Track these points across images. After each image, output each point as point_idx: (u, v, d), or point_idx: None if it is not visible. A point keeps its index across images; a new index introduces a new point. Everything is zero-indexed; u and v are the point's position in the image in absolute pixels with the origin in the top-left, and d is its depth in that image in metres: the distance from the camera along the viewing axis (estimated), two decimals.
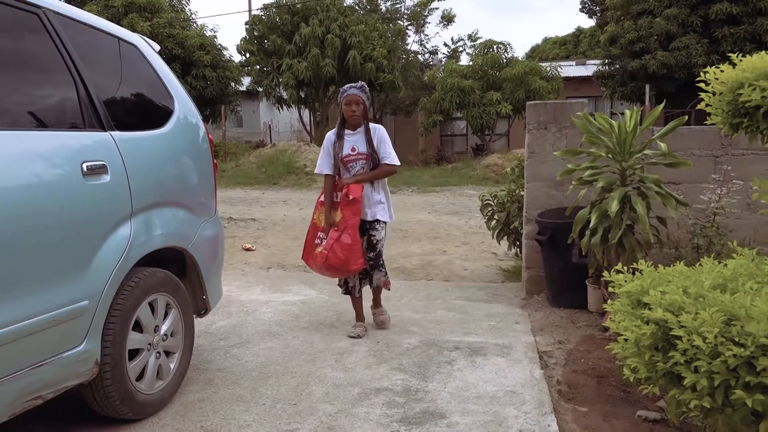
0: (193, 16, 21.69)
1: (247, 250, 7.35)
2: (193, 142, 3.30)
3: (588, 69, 22.67)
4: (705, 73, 2.05)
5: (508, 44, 19.38)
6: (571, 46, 35.15)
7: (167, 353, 2.94)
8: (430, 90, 20.10)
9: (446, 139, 23.51)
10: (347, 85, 3.98)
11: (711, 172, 4.78)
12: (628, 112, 4.28)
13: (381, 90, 20.03)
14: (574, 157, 4.59)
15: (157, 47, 3.38)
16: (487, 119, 18.36)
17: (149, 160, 2.83)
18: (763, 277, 1.95)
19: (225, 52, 20.52)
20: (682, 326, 1.65)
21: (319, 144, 19.57)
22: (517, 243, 6.04)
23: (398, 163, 4.02)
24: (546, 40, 38.31)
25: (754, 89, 1.80)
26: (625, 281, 2.00)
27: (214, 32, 21.79)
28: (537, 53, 35.72)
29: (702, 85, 2.05)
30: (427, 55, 23.16)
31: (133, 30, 16.76)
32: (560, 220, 4.66)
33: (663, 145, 4.09)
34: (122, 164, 2.60)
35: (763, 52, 1.90)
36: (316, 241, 3.99)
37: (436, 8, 22.02)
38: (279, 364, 3.47)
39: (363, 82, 4.06)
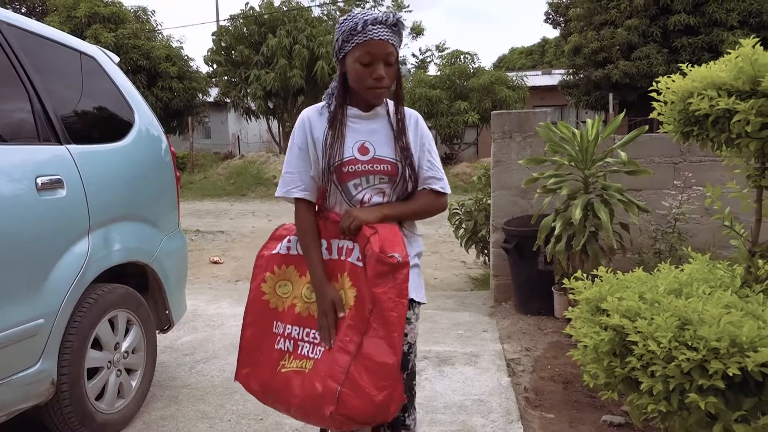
0: (159, 27, 21.48)
1: (215, 263, 7.26)
2: (155, 155, 3.25)
3: (554, 78, 23.07)
4: (657, 83, 2.10)
5: (475, 54, 19.62)
6: (537, 56, 35.77)
7: (129, 371, 2.87)
8: None
9: None
10: (362, 14, 1.72)
11: (671, 179, 4.90)
12: (589, 121, 4.37)
13: None
14: (538, 166, 4.66)
15: (116, 59, 3.33)
16: (455, 128, 18.53)
17: (108, 173, 2.77)
18: (716, 282, 2.00)
19: (192, 63, 20.33)
20: (638, 332, 1.68)
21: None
22: (485, 251, 6.09)
23: (449, 190, 1.96)
24: (513, 50, 38.90)
25: (703, 98, 1.85)
26: (585, 288, 2.03)
27: (181, 43, 21.64)
28: (504, 63, 36.24)
29: (654, 94, 2.10)
30: None
31: (97, 41, 16.52)
32: (526, 228, 4.71)
33: (623, 154, 4.18)
34: (79, 178, 2.54)
35: (713, 63, 1.96)
36: (278, 344, 1.86)
37: (404, 20, 22.12)
38: None
39: (400, 15, 1.80)
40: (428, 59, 22.80)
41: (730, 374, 1.46)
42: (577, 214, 4.02)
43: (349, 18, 1.71)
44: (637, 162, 4.26)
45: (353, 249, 1.73)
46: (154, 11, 23.46)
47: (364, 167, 1.75)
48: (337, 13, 22.06)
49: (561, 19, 20.99)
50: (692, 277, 2.10)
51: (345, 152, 1.75)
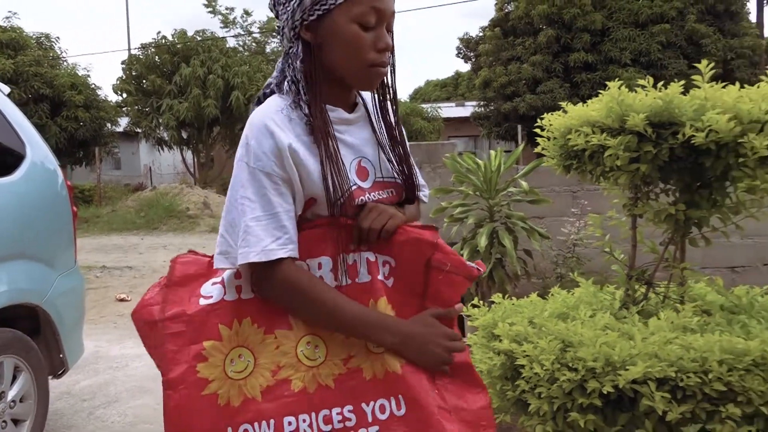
0: (64, 54, 20.60)
1: (122, 300, 6.94)
2: (49, 190, 3.10)
3: (467, 110, 23.95)
4: (541, 119, 2.25)
5: None
6: (451, 88, 37.05)
7: (16, 421, 2.68)
8: None
9: None
10: None
11: (570, 207, 5.19)
12: (492, 153, 4.58)
13: None
14: (446, 195, 4.81)
15: (7, 90, 3.18)
16: None
17: None
18: (598, 304, 2.14)
19: (99, 92, 19.58)
20: (526, 355, 1.77)
21: (206, 186, 19.16)
22: None
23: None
24: (428, 83, 40.13)
25: (579, 135, 2.00)
26: (480, 315, 2.11)
27: (87, 71, 20.79)
28: (420, 95, 37.27)
29: (538, 130, 2.25)
30: None
31: None
32: None
33: (524, 184, 4.40)
34: None
35: (589, 101, 2.13)
36: None
37: None
38: (150, 422, 3.27)
39: None
40: None
41: (606, 392, 1.57)
42: (482, 242, 4.18)
43: None
44: (537, 191, 4.49)
45: (377, 262, 1.13)
46: (58, 38, 22.49)
47: (368, 197, 1.17)
48: (253, 44, 22.03)
49: (471, 54, 21.95)
50: (580, 300, 2.23)
51: (351, 175, 1.16)
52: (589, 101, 2.13)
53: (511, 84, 17.83)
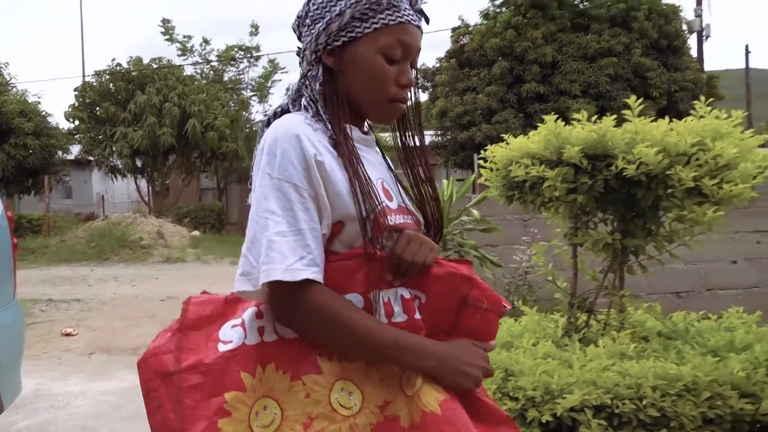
0: (13, 80, 20.07)
1: (68, 335, 6.69)
2: None
3: (425, 139, 24.28)
4: (485, 151, 2.31)
5: None
6: None
7: None
8: None
9: None
10: None
11: (522, 235, 5.29)
12: (445, 182, 4.65)
13: (225, 159, 19.76)
14: None
15: None
16: None
17: None
18: (542, 332, 2.17)
19: (50, 119, 19.11)
20: None
21: (161, 215, 18.80)
22: None
23: None
24: None
25: (520, 166, 2.06)
26: None
27: (38, 98, 20.27)
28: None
29: (481, 161, 2.31)
30: None
31: None
32: None
33: (476, 212, 4.48)
34: None
35: (530, 134, 2.19)
36: None
37: (280, 80, 22.49)
38: None
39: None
40: None
41: (545, 421, 1.59)
42: None
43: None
44: (489, 220, 4.57)
45: (411, 299, 1.03)
46: (7, 63, 21.92)
47: (395, 219, 1.08)
48: (211, 72, 21.93)
49: (429, 84, 22.37)
50: (525, 328, 2.26)
51: (378, 197, 1.07)
52: (530, 133, 2.20)
53: (467, 114, 18.20)
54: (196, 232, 16.51)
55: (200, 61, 21.69)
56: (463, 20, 19.52)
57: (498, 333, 2.22)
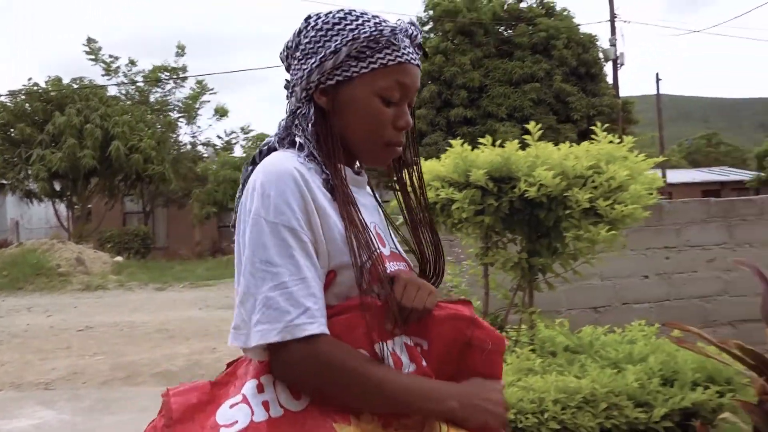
0: None
1: None
2: None
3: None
4: None
5: None
6: None
7: None
8: (204, 182, 19.82)
9: (225, 230, 23.10)
10: (376, 17, 1.04)
11: (446, 255, 5.39)
12: None
13: (150, 182, 19.18)
14: None
15: None
16: None
17: None
18: None
19: None
20: None
21: (81, 240, 17.92)
22: None
23: None
24: None
25: (430, 188, 2.11)
26: None
27: None
28: None
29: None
30: (200, 147, 22.93)
31: None
32: None
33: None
34: None
35: (442, 156, 2.26)
36: None
37: (208, 101, 22.11)
38: None
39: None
40: (234, 141, 22.84)
41: None
42: None
43: (353, 15, 1.01)
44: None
45: (414, 347, 0.98)
46: None
47: (390, 266, 1.02)
48: (136, 94, 21.32)
49: None
50: None
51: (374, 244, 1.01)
52: (441, 156, 2.26)
53: None
54: (119, 258, 15.88)
55: (125, 81, 21.09)
56: None
57: None
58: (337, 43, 0.98)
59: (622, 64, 19.62)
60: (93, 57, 20.36)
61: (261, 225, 0.90)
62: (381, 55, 0.98)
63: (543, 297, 4.32)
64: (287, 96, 1.07)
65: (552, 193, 1.94)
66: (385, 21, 1.01)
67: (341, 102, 1.00)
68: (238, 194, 1.04)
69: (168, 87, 21.45)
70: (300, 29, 1.03)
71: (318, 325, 0.88)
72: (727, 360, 1.68)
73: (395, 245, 1.08)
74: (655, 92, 24.52)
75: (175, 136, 21.60)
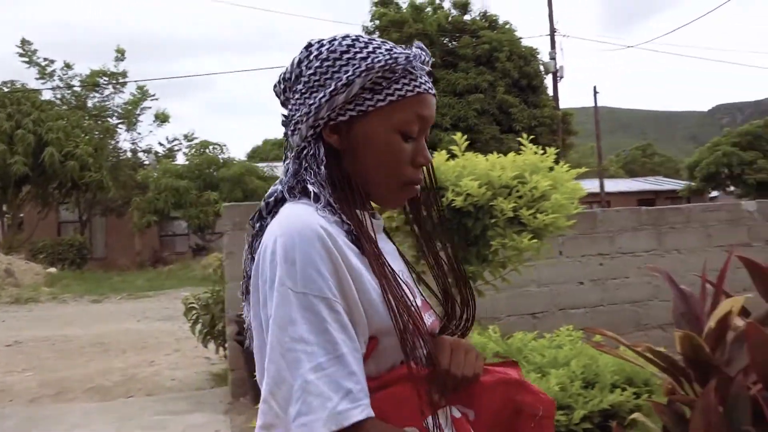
0: None
1: None
2: None
3: None
4: None
5: (224, 145, 19.84)
6: None
7: None
8: (144, 189, 19.30)
9: (167, 239, 22.51)
10: (391, 45, 0.93)
11: None
12: None
13: (87, 190, 18.52)
14: None
15: None
16: (205, 219, 18.20)
17: None
18: None
19: None
20: None
21: (11, 251, 17.05)
22: (225, 345, 5.94)
23: None
24: (266, 141, 40.22)
25: None
26: None
27: None
28: (258, 153, 37.17)
29: None
30: (140, 154, 22.30)
31: None
32: None
33: None
34: None
35: None
36: None
37: (149, 107, 21.55)
38: None
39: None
40: (176, 148, 22.33)
41: None
42: None
43: (361, 42, 0.91)
44: None
45: (462, 419, 0.91)
46: None
47: (428, 321, 0.95)
48: (73, 99, 20.57)
49: None
50: None
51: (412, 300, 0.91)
52: None
53: None
54: (52, 269, 15.24)
55: (61, 86, 20.34)
56: None
57: None
58: (349, 74, 0.87)
59: (561, 77, 20.28)
60: (27, 59, 19.58)
61: (288, 297, 0.79)
62: (398, 86, 0.89)
63: (484, 304, 4.40)
64: (286, 134, 0.96)
65: (478, 202, 1.99)
66: (395, 47, 0.91)
67: (355, 140, 0.90)
68: (245, 255, 0.92)
69: (107, 92, 20.81)
70: (300, 59, 0.92)
71: (362, 409, 0.77)
72: (643, 363, 1.75)
73: (421, 292, 0.98)
74: (593, 104, 25.45)
75: (114, 142, 20.96)
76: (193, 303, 6.04)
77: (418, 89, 0.90)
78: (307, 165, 0.90)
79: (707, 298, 1.68)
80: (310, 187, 0.87)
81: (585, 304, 5.94)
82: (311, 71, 0.90)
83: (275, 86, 0.97)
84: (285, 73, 0.94)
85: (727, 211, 6.03)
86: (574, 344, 2.36)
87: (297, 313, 0.78)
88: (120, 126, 21.17)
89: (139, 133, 21.66)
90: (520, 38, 19.65)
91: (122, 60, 20.51)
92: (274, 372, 0.79)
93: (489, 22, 19.39)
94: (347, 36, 0.91)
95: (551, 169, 2.15)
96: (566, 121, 20.23)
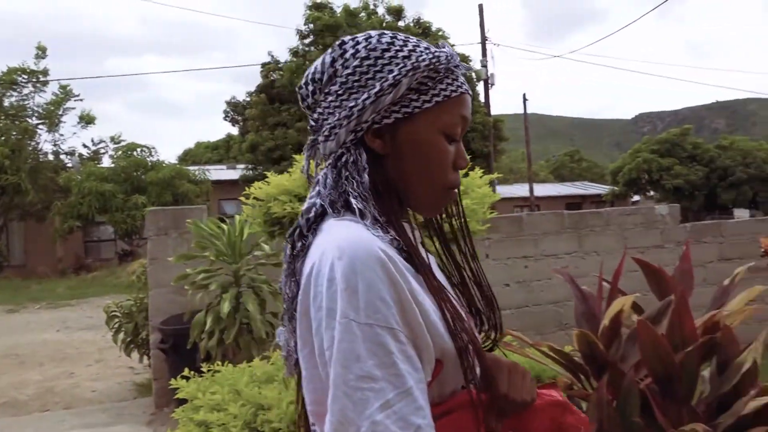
0: None
1: None
2: None
3: (238, 173, 23.89)
4: (249, 187, 2.35)
5: (153, 148, 19.22)
6: (223, 150, 36.72)
7: None
8: (67, 193, 18.43)
9: (92, 245, 21.56)
10: (440, 51, 0.89)
11: None
12: (237, 218, 4.60)
13: (4, 193, 17.50)
14: (191, 262, 4.67)
15: None
16: (132, 224, 17.56)
17: None
18: None
19: None
20: (221, 424, 1.77)
21: None
22: (148, 354, 5.77)
23: None
24: (198, 144, 39.27)
25: (278, 203, 2.13)
26: (186, 387, 2.06)
27: None
28: (190, 156, 36.24)
29: (243, 198, 2.34)
30: (63, 156, 21.27)
31: None
32: (181, 326, 4.64)
33: (267, 247, 4.49)
34: None
35: (290, 170, 2.28)
36: None
37: (73, 108, 20.58)
38: None
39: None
40: (102, 150, 21.43)
41: None
42: (225, 308, 4.13)
43: (399, 39, 0.88)
44: (281, 254, 4.60)
45: None
46: None
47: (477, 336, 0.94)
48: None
49: (240, 117, 22.13)
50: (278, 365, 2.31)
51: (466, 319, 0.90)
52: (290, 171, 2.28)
53: (278, 148, 18.29)
54: None
55: None
56: (273, 56, 19.74)
57: (261, 368, 2.24)
58: (395, 73, 0.83)
59: (492, 84, 20.80)
60: None
61: (352, 330, 0.73)
62: (443, 86, 0.86)
63: None
64: (314, 141, 0.90)
65: None
66: (431, 46, 0.88)
67: (402, 143, 0.85)
68: (284, 277, 0.86)
69: (26, 91, 19.75)
70: (333, 58, 0.86)
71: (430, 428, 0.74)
72: (547, 361, 1.84)
73: (461, 300, 0.94)
74: (523, 111, 26.26)
75: (33, 144, 19.90)
76: (115, 311, 5.84)
77: (461, 89, 0.87)
78: (348, 174, 0.84)
79: (604, 298, 1.78)
80: (353, 201, 0.82)
81: (511, 306, 6.12)
82: (349, 71, 0.85)
83: (300, 87, 0.91)
84: (314, 74, 0.88)
85: (642, 214, 6.35)
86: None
87: (362, 346, 0.73)
88: (40, 127, 20.13)
89: (62, 135, 20.67)
90: (453, 45, 20.01)
91: (43, 57, 19.52)
92: (339, 413, 0.73)
93: (422, 28, 19.65)
94: (384, 33, 0.87)
95: (466, 175, 2.22)
96: (497, 127, 20.75)
